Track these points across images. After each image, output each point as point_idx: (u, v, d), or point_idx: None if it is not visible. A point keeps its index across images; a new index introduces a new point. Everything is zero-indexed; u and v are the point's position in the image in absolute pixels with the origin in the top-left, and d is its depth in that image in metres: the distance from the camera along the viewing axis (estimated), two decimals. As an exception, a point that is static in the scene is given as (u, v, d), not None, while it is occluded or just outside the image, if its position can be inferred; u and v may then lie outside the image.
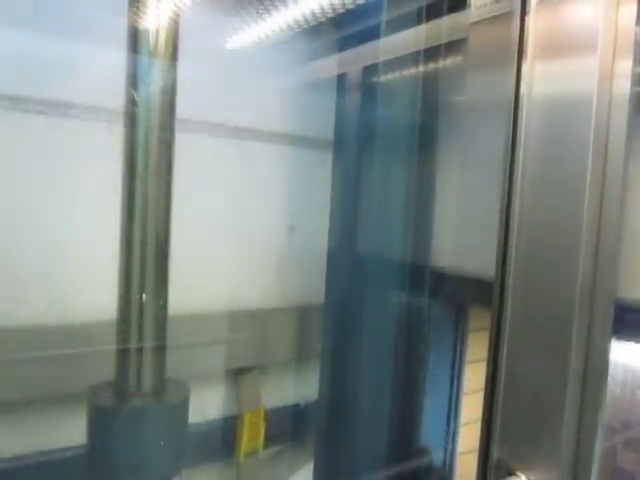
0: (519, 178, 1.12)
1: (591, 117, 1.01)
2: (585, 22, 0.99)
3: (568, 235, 1.03)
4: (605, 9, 0.97)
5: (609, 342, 0.96)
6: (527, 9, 1.02)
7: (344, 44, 2.68)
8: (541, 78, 1.06)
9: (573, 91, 1.03)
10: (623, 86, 1.01)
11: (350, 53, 2.68)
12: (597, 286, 1.01)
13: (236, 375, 2.84)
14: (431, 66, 2.33)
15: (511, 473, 1.00)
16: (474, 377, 2.87)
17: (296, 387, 3.03)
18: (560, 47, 1.03)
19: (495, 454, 1.04)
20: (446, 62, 2.26)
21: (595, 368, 0.99)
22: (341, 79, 2.76)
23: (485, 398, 1.07)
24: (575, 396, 0.97)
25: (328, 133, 2.87)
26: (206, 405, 2.79)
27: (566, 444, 0.96)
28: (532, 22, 1.03)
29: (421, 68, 2.34)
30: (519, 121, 1.09)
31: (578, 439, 0.96)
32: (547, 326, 1.02)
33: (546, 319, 1.02)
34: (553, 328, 1.01)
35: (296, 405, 3.02)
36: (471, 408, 2.76)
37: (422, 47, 2.22)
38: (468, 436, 2.70)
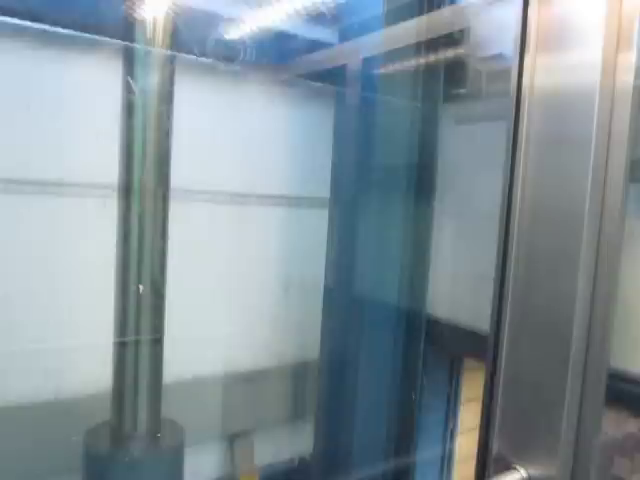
0: (520, 176, 1.09)
1: (594, 110, 0.99)
2: (588, 13, 0.98)
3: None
4: (608, 0, 0.96)
5: (610, 334, 0.93)
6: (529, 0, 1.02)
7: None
8: (543, 70, 1.05)
9: (576, 84, 1.02)
10: (626, 79, 0.99)
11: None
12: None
13: (231, 439, 2.76)
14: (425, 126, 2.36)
15: (510, 467, 0.95)
16: (468, 416, 2.79)
17: (291, 445, 2.97)
18: (563, 39, 1.02)
19: (494, 448, 0.98)
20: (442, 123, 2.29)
21: (595, 366, 0.94)
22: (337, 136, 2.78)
23: (485, 392, 1.02)
24: (575, 392, 0.92)
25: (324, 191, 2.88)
26: (201, 468, 2.72)
27: (565, 439, 0.91)
28: (534, 13, 1.03)
29: (415, 126, 2.38)
30: (521, 114, 1.07)
31: (578, 434, 0.92)
32: (548, 326, 0.99)
33: (547, 323, 0.98)
34: (555, 325, 0.97)
35: (291, 461, 2.95)
36: (468, 446, 2.66)
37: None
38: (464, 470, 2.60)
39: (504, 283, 1.07)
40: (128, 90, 1.64)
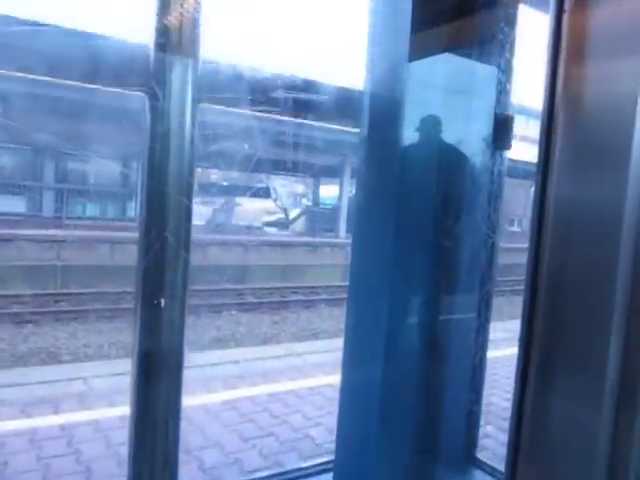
0: (553, 191, 1.05)
1: (634, 120, 0.96)
2: (626, 20, 0.96)
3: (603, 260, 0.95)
4: (647, 8, 0.94)
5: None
6: (564, 7, 1.00)
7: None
8: (578, 80, 1.02)
9: (614, 94, 0.98)
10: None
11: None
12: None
13: None
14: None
15: None
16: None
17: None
18: (599, 47, 0.99)
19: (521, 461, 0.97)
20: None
21: (631, 400, 0.91)
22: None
23: (511, 424, 1.00)
24: (608, 425, 0.89)
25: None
26: None
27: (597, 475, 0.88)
28: (569, 20, 1.01)
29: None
30: (554, 127, 1.04)
31: (611, 471, 0.88)
32: (578, 345, 0.95)
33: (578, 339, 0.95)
34: (585, 344, 0.94)
35: None
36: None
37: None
38: None
39: (534, 312, 1.03)
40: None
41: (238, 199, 19.71)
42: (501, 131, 1.94)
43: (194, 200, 1.71)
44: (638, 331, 0.92)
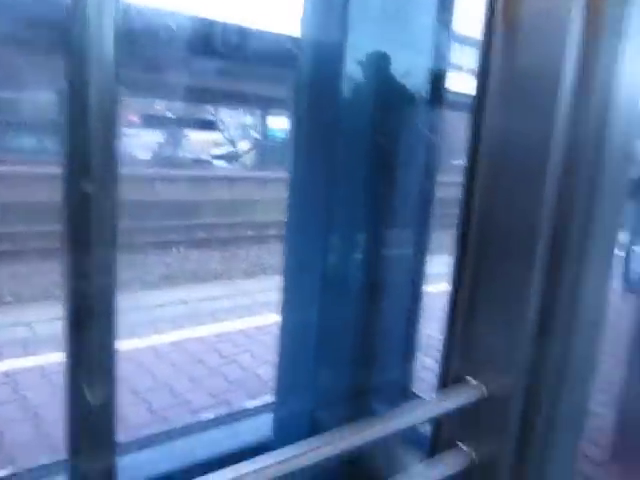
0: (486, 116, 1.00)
1: (564, 42, 0.90)
2: None
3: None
4: None
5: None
6: None
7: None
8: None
9: (550, 11, 0.92)
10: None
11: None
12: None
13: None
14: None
15: (466, 380, 1.00)
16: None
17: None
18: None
19: (454, 362, 1.04)
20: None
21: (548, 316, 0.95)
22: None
23: (449, 311, 1.05)
24: (528, 345, 0.94)
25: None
26: None
27: (522, 358, 0.95)
28: None
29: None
30: (491, 47, 0.98)
31: (536, 355, 0.95)
32: (504, 275, 0.97)
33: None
34: (510, 274, 0.96)
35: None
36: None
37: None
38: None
39: (465, 245, 1.01)
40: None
41: (185, 131, 19.12)
42: (435, 87, 1.90)
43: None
44: (558, 261, 0.94)
